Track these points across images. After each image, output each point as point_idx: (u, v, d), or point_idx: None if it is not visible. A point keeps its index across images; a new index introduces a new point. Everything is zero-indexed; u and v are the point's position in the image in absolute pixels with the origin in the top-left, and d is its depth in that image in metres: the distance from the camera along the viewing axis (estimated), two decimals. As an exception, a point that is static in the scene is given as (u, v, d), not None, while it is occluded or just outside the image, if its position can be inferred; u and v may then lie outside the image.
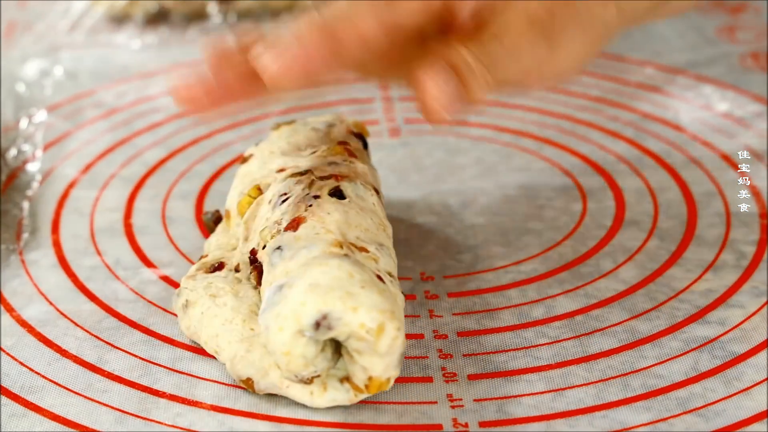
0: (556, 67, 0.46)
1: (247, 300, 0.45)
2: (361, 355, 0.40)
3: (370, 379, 0.41)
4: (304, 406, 0.42)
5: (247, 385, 0.43)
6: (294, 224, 0.44)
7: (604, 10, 0.46)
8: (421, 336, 0.46)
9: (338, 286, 0.40)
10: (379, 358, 0.40)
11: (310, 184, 0.46)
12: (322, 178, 0.46)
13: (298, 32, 0.44)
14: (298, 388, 0.42)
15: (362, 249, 0.43)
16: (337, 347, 0.42)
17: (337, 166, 0.48)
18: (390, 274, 0.43)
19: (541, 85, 0.49)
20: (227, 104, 0.45)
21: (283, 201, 0.46)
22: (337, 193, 0.46)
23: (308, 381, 0.41)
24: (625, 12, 0.46)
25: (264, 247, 0.45)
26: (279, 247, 0.43)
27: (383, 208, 0.48)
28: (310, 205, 0.45)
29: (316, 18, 0.44)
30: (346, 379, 0.42)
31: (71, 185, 0.58)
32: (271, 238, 0.44)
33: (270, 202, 0.47)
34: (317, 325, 0.40)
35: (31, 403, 0.43)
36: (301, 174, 0.47)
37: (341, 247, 0.42)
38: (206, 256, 0.49)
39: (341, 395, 0.42)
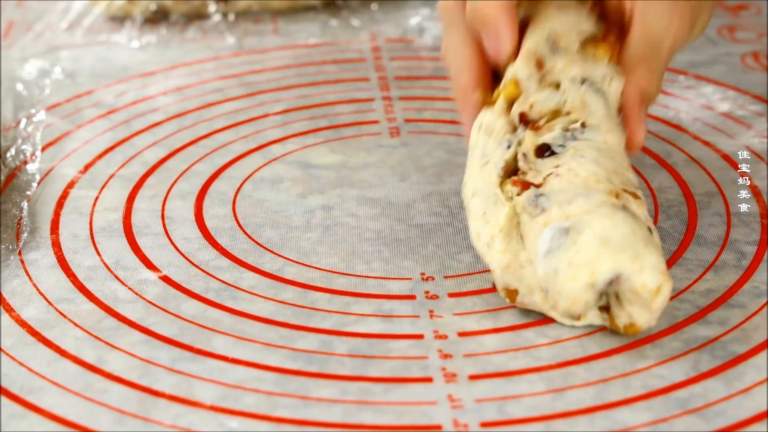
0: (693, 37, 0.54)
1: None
2: (632, 305, 0.43)
3: (631, 324, 0.44)
4: (303, 406, 0.42)
5: (508, 295, 0.46)
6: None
7: None
8: (421, 336, 0.46)
9: (628, 245, 0.43)
10: (648, 313, 0.43)
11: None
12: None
13: None
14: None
15: (634, 195, 0.46)
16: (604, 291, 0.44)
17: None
18: (649, 218, 0.46)
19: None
20: None
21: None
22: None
23: (576, 318, 0.45)
24: None
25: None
26: (542, 194, 0.45)
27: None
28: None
29: None
30: (605, 309, 0.45)
31: (70, 185, 0.58)
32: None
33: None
34: (609, 282, 0.43)
35: (31, 404, 0.42)
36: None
37: (617, 197, 0.45)
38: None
39: (598, 320, 0.45)
